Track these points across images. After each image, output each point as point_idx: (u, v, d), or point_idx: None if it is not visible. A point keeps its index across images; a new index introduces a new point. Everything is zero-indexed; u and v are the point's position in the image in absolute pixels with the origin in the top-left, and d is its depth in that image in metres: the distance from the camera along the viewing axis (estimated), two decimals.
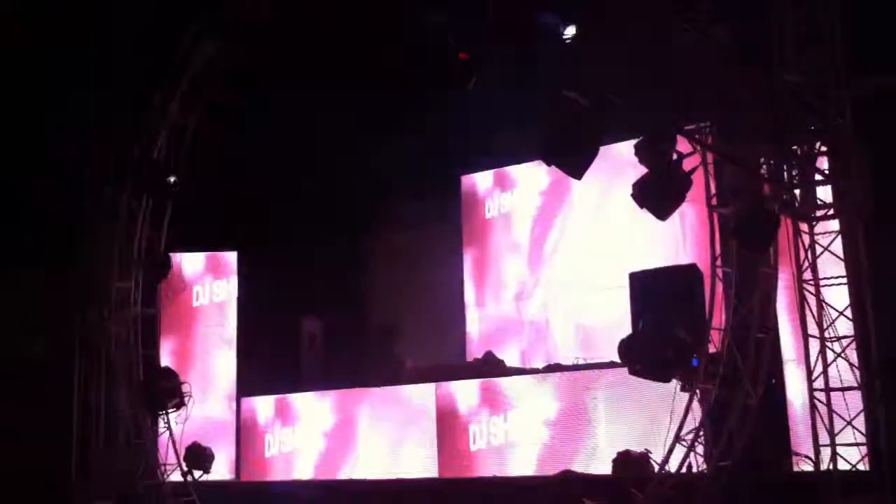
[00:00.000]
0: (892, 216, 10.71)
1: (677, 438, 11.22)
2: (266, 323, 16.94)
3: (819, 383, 10.86)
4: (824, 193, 10.85)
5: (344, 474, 15.44)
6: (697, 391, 11.25)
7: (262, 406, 16.61)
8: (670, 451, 11.18)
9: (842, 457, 10.69)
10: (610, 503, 11.05)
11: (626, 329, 11.47)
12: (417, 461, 14.73)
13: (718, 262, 11.61)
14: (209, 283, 17.07)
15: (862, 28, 10.81)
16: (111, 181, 14.55)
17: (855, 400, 10.67)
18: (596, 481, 12.01)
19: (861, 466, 10.59)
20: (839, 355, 10.73)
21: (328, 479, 15.45)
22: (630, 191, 10.01)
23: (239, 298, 16.98)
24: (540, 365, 15.18)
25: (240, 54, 13.31)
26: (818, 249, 10.94)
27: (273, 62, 13.79)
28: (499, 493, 13.47)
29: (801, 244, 11.00)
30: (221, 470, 15.71)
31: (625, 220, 14.32)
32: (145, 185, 14.01)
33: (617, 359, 10.99)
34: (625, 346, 10.76)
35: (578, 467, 12.99)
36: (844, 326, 10.78)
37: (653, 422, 12.14)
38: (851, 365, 10.66)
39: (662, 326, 10.88)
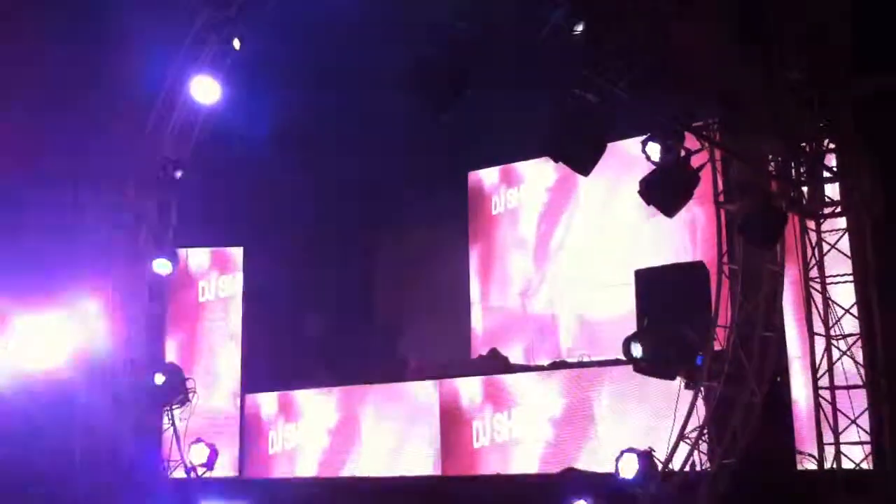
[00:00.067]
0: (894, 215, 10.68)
1: (681, 436, 11.20)
2: (271, 319, 16.94)
3: (824, 381, 10.84)
4: (832, 191, 10.83)
5: (347, 471, 15.44)
6: (702, 389, 11.23)
7: (266, 402, 16.61)
8: (674, 448, 11.16)
9: (846, 455, 10.67)
10: (613, 502, 11.04)
11: (631, 326, 11.46)
12: (421, 458, 14.73)
13: (725, 259, 11.57)
14: (214, 279, 17.07)
15: (862, 28, 10.77)
16: (116, 178, 14.53)
17: (859, 398, 10.64)
18: (599, 479, 11.99)
19: (865, 465, 10.56)
20: (844, 353, 10.71)
21: (331, 477, 15.45)
22: (637, 187, 10.02)
23: (244, 294, 16.98)
24: (545, 362, 15.17)
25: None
26: (825, 247, 10.92)
27: (278, 59, 13.83)
28: (502, 491, 13.45)
29: (808, 241, 10.97)
30: (225, 466, 15.71)
31: (632, 216, 14.32)
32: (152, 181, 14.02)
33: (622, 356, 10.99)
34: (629, 344, 10.77)
35: (582, 465, 12.98)
36: (850, 324, 10.75)
37: (657, 419, 12.13)
38: (857, 363, 10.63)
39: (668, 324, 10.89)
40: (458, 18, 8.92)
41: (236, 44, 13.32)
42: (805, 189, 10.71)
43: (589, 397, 13.37)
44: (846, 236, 10.82)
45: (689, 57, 9.50)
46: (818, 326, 10.91)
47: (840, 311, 10.76)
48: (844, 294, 10.83)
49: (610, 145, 9.59)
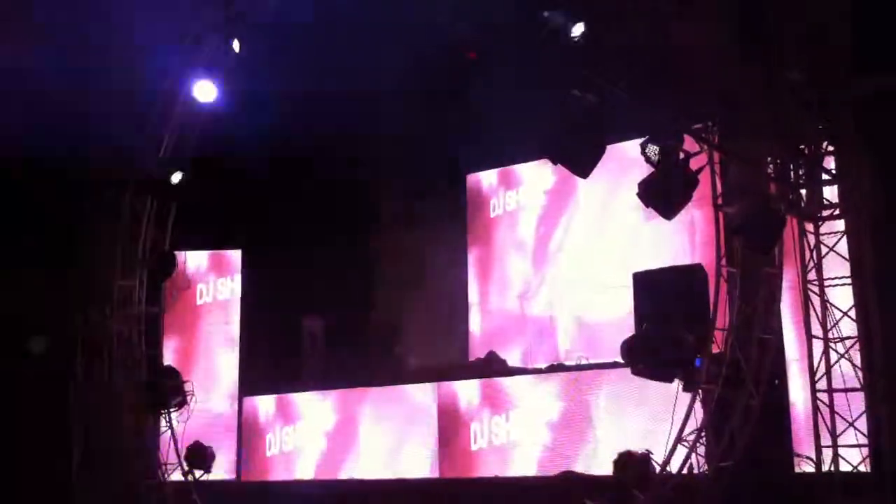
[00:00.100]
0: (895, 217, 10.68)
1: (679, 439, 11.20)
2: (269, 321, 16.95)
3: (822, 384, 10.83)
4: (830, 193, 10.84)
5: (345, 474, 15.44)
6: (700, 392, 11.23)
7: (264, 405, 16.60)
8: (672, 451, 11.16)
9: (843, 458, 10.66)
10: None
11: (629, 329, 11.46)
12: (419, 461, 14.72)
13: (724, 262, 11.57)
14: (213, 282, 17.07)
15: (862, 28, 10.78)
16: (114, 181, 14.53)
17: (857, 401, 10.64)
18: (598, 482, 11.98)
19: (862, 468, 10.56)
20: (842, 356, 10.70)
21: (329, 479, 15.44)
22: (636, 190, 10.02)
23: (242, 297, 16.98)
24: (543, 364, 15.15)
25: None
26: (823, 250, 10.92)
27: (278, 60, 13.83)
28: (500, 494, 13.46)
29: (806, 244, 10.97)
30: (222, 469, 15.69)
31: (630, 219, 14.32)
32: (149, 184, 14.03)
33: (620, 358, 10.99)
34: (627, 346, 10.77)
35: (580, 468, 12.97)
36: (848, 327, 10.75)
37: (655, 422, 12.12)
38: (855, 366, 10.63)
39: (666, 326, 10.88)
40: (458, 19, 8.94)
41: (236, 44, 13.32)
42: (804, 191, 10.72)
43: (587, 400, 13.37)
44: (845, 239, 10.82)
45: (689, 57, 9.51)
46: (816, 329, 10.91)
47: (838, 314, 10.76)
48: (843, 297, 10.82)
49: (609, 147, 9.60)
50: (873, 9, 10.79)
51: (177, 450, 14.30)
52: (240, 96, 13.91)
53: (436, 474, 14.45)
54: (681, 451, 11.17)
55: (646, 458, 10.90)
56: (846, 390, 10.67)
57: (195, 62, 13.70)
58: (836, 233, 10.87)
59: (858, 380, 10.59)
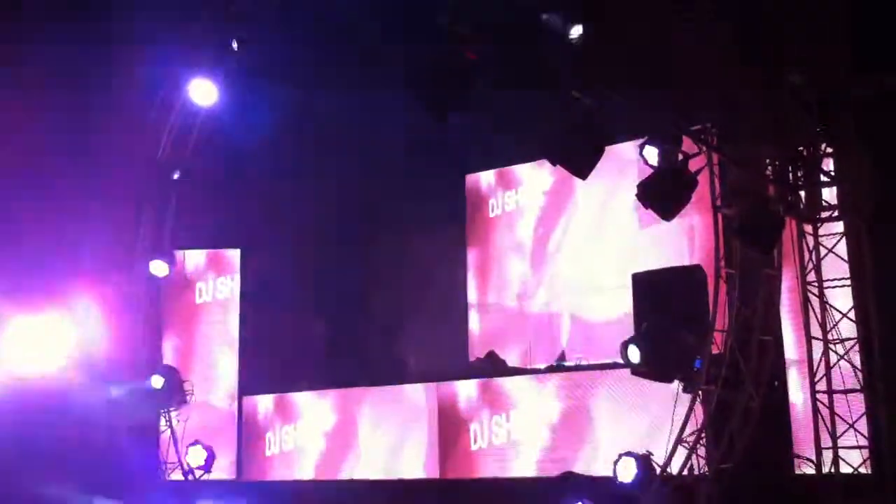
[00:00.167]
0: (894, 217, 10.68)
1: (679, 440, 11.20)
2: (268, 320, 16.92)
3: (822, 385, 10.84)
4: (829, 195, 10.83)
5: (345, 473, 15.43)
6: (700, 393, 11.23)
7: (264, 404, 16.60)
8: (672, 452, 11.16)
9: (843, 459, 10.67)
10: None
11: (629, 329, 11.45)
12: (418, 461, 14.72)
13: (723, 263, 11.56)
14: (212, 281, 17.06)
15: (864, 28, 10.78)
16: (114, 179, 14.53)
17: (857, 402, 10.64)
18: (597, 482, 11.98)
19: (863, 469, 10.56)
20: (842, 357, 10.70)
21: (329, 479, 15.44)
22: (635, 191, 10.02)
23: (241, 296, 16.97)
24: (542, 365, 15.15)
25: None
26: (822, 251, 10.91)
27: (277, 61, 13.82)
28: (499, 494, 13.45)
29: (805, 246, 10.97)
30: (222, 468, 15.69)
31: (629, 220, 14.32)
32: (150, 183, 14.03)
33: (620, 359, 10.98)
34: (627, 347, 10.76)
35: (580, 468, 12.95)
36: (848, 328, 10.75)
37: (654, 423, 12.12)
38: (854, 367, 10.63)
39: (665, 327, 10.87)
40: (458, 20, 8.91)
41: (235, 46, 13.31)
42: (802, 193, 10.72)
43: (587, 401, 13.36)
44: (843, 240, 10.82)
45: (688, 58, 9.50)
46: (816, 330, 10.92)
47: (837, 315, 10.77)
48: (842, 298, 10.83)
49: (608, 149, 9.59)
50: (873, 9, 10.78)
51: (177, 449, 14.30)
52: (240, 96, 13.90)
53: (435, 474, 14.45)
54: (681, 452, 11.17)
55: (646, 458, 10.90)
56: (846, 391, 10.68)
57: (195, 62, 13.68)
58: (834, 234, 10.87)
59: (858, 381, 10.60)
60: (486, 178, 17.00)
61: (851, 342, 10.68)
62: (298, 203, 16.53)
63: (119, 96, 13.90)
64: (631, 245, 14.59)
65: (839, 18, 10.59)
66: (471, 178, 17.15)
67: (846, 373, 10.69)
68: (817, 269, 10.92)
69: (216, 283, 17.09)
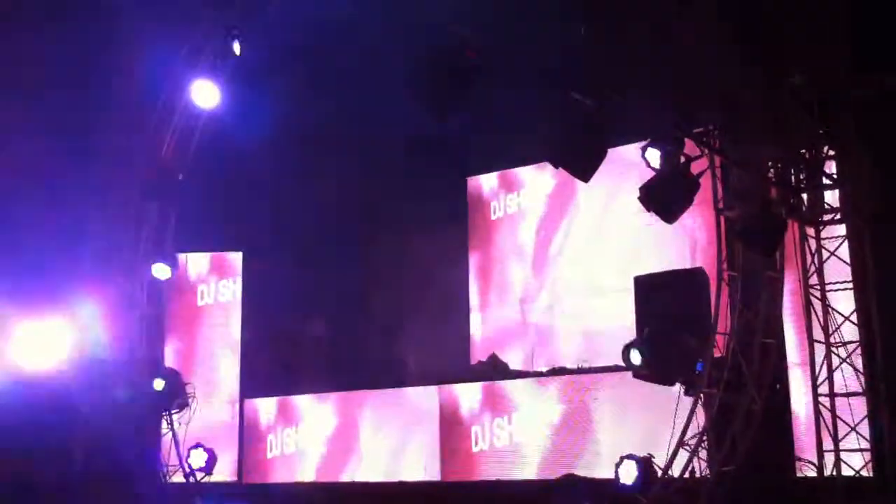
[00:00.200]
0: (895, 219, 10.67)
1: (681, 443, 11.18)
2: (270, 323, 16.92)
3: (824, 388, 10.83)
4: (831, 197, 10.82)
5: (346, 476, 15.42)
6: (701, 395, 11.21)
7: (265, 407, 16.59)
8: (674, 455, 11.14)
9: (845, 462, 10.65)
10: None
11: (631, 332, 11.43)
12: (420, 463, 14.71)
13: (725, 266, 11.55)
14: (214, 283, 17.06)
15: (864, 28, 10.76)
16: (116, 182, 14.51)
17: (859, 405, 10.62)
18: (599, 485, 11.97)
19: (865, 472, 10.54)
20: (844, 360, 10.69)
21: (331, 482, 15.42)
22: (637, 193, 10.00)
23: (243, 299, 16.97)
24: (544, 368, 15.13)
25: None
26: (824, 254, 10.90)
27: (278, 63, 13.82)
28: (501, 496, 13.44)
29: (807, 248, 10.96)
30: (224, 471, 15.68)
31: (631, 223, 14.29)
32: (152, 185, 14.02)
33: (622, 362, 10.96)
34: (629, 350, 10.75)
35: (581, 471, 12.94)
36: (850, 332, 10.74)
37: (656, 426, 12.09)
38: (857, 370, 10.61)
39: (667, 330, 10.85)
40: (458, 21, 8.90)
41: (236, 48, 13.30)
42: (805, 196, 10.70)
43: (588, 403, 13.35)
44: (846, 243, 10.81)
45: (689, 59, 9.48)
46: (818, 333, 10.91)
47: (840, 319, 10.76)
48: (844, 301, 10.82)
49: (610, 151, 9.58)
50: (873, 9, 10.78)
51: (178, 452, 14.28)
52: (241, 98, 13.89)
53: (437, 477, 14.43)
54: (682, 455, 11.15)
55: (648, 461, 10.89)
56: (848, 395, 10.67)
57: (196, 64, 13.68)
58: (837, 237, 10.86)
59: (860, 384, 10.58)
60: (487, 181, 16.98)
61: (854, 345, 10.67)
62: (300, 206, 16.53)
63: (119, 96, 13.89)
64: (633, 248, 14.56)
65: (839, 18, 10.56)
66: (472, 181, 17.14)
67: (848, 376, 10.68)
68: (819, 271, 10.91)
69: (218, 285, 17.09)
